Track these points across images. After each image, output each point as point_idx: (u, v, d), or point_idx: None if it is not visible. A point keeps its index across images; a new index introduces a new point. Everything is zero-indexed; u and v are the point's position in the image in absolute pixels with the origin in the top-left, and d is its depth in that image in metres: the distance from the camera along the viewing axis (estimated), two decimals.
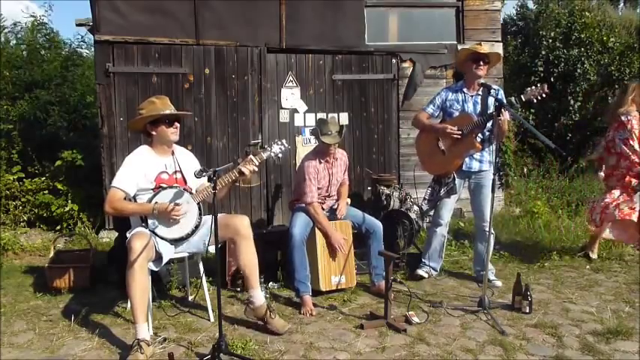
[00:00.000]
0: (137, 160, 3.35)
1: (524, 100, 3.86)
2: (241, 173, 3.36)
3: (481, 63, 4.08)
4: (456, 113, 4.16)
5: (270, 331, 3.34)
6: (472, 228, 4.68)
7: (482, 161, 4.22)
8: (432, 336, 3.33)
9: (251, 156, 3.44)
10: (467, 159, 4.18)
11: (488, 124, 4.04)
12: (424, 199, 4.52)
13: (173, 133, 3.40)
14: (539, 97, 3.87)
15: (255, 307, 3.41)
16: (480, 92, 4.14)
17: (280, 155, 3.61)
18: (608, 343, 3.21)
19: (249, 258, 3.43)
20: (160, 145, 3.42)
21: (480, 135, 4.10)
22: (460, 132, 4.01)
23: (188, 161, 3.55)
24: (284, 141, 3.63)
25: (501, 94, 4.20)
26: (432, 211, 4.51)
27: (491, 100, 4.11)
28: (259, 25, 5.86)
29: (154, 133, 3.38)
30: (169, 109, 3.40)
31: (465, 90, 4.18)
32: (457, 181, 4.23)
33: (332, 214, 4.24)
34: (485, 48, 4.15)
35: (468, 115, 4.09)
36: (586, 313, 3.69)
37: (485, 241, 4.23)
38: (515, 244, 5.41)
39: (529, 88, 3.90)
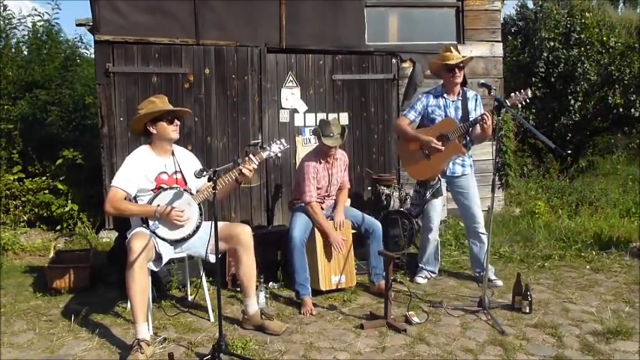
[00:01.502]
0: (137, 160, 3.34)
1: (509, 104, 3.87)
2: (242, 174, 3.35)
3: (456, 71, 4.08)
4: (439, 119, 4.17)
5: (269, 333, 3.34)
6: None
7: (465, 165, 4.26)
8: (432, 336, 3.33)
9: (250, 155, 3.42)
10: (450, 164, 4.21)
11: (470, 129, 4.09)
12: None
13: (174, 130, 3.39)
14: (523, 103, 3.91)
15: (249, 316, 3.42)
16: (460, 97, 4.18)
17: (280, 155, 3.61)
18: (608, 343, 3.21)
19: (248, 268, 3.44)
20: (160, 145, 3.41)
21: (463, 140, 4.14)
22: (443, 148, 4.04)
23: (188, 161, 3.54)
24: (283, 140, 3.63)
25: (479, 99, 4.23)
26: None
27: (471, 105, 4.17)
28: (259, 25, 5.86)
29: (154, 131, 3.37)
30: (169, 108, 3.40)
31: (445, 95, 4.19)
32: (442, 182, 4.24)
33: (331, 213, 4.24)
34: (455, 54, 4.10)
35: (452, 121, 4.11)
36: (586, 313, 3.69)
37: (480, 242, 4.26)
38: (515, 244, 5.40)
39: (513, 94, 3.92)
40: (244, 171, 3.33)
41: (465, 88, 4.22)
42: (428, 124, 4.22)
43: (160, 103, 3.38)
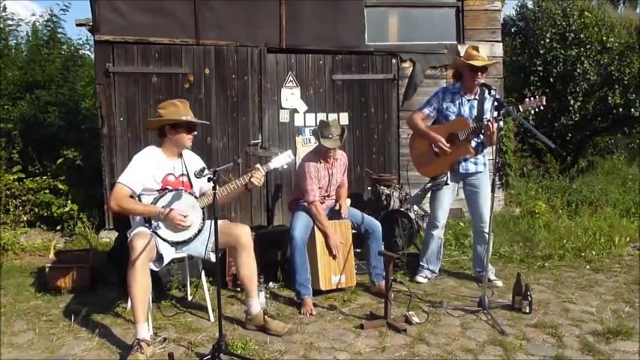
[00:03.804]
0: (146, 159, 3.35)
1: (522, 110, 3.89)
2: (250, 183, 3.42)
3: (479, 73, 4.07)
4: (452, 116, 4.17)
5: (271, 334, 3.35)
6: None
7: (477, 163, 4.25)
8: (432, 336, 3.33)
9: (258, 165, 3.50)
10: (462, 162, 4.21)
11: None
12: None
13: (189, 139, 3.43)
14: (537, 109, 3.90)
15: (252, 316, 3.42)
16: (477, 96, 4.16)
17: (286, 167, 3.68)
18: (608, 343, 3.21)
19: (249, 269, 3.45)
20: (171, 148, 3.43)
21: (475, 140, 4.14)
22: (450, 150, 4.08)
23: (195, 165, 3.54)
24: (290, 152, 3.68)
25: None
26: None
27: (487, 105, 4.14)
28: (259, 25, 5.86)
29: (170, 135, 3.38)
30: (190, 115, 3.42)
31: (462, 93, 4.19)
32: (450, 182, 4.24)
33: (331, 213, 4.24)
34: (482, 55, 4.09)
35: (464, 119, 4.11)
36: (586, 313, 3.69)
37: (484, 242, 4.25)
38: (515, 244, 5.40)
39: (527, 99, 3.94)
40: (254, 181, 3.41)
41: (483, 88, 4.19)
42: (442, 121, 4.22)
43: (183, 108, 3.39)
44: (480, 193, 4.24)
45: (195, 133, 3.47)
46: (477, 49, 4.15)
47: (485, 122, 3.95)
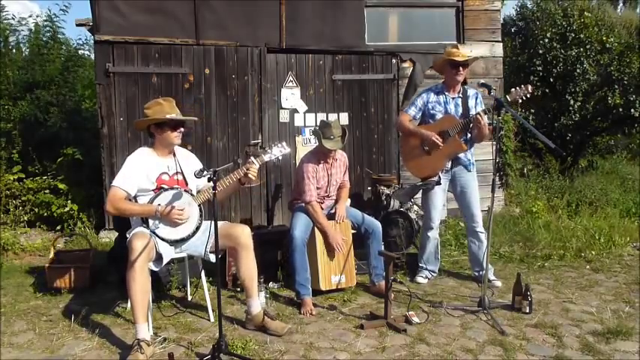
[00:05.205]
0: (138, 160, 3.35)
1: (509, 100, 3.90)
2: (245, 175, 3.39)
3: (460, 68, 4.10)
4: (439, 115, 4.20)
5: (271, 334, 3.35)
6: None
7: (467, 156, 4.26)
8: (432, 336, 3.33)
9: (252, 158, 3.47)
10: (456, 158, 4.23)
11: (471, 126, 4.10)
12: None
13: (176, 137, 3.42)
14: (523, 98, 3.92)
15: (252, 316, 3.43)
16: (461, 94, 4.19)
17: (281, 158, 3.66)
18: (608, 343, 3.21)
19: (249, 269, 3.45)
20: (162, 147, 3.43)
21: (463, 137, 4.16)
22: (442, 144, 4.08)
23: (189, 162, 3.55)
24: (284, 143, 3.66)
25: (480, 97, 4.25)
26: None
27: (472, 103, 4.19)
28: (259, 25, 5.86)
29: (157, 135, 3.39)
30: (175, 113, 3.40)
31: (446, 92, 4.22)
32: (443, 180, 4.25)
33: (331, 215, 4.24)
34: (462, 51, 4.13)
35: (452, 117, 4.14)
36: (586, 313, 3.69)
37: (479, 241, 4.26)
38: (515, 244, 5.40)
39: (513, 89, 3.95)
40: (249, 174, 3.37)
41: (465, 87, 4.25)
42: (428, 121, 4.24)
43: (168, 107, 3.39)
44: (469, 192, 4.26)
45: (182, 129, 3.44)
46: (456, 47, 4.19)
47: (476, 116, 3.97)
